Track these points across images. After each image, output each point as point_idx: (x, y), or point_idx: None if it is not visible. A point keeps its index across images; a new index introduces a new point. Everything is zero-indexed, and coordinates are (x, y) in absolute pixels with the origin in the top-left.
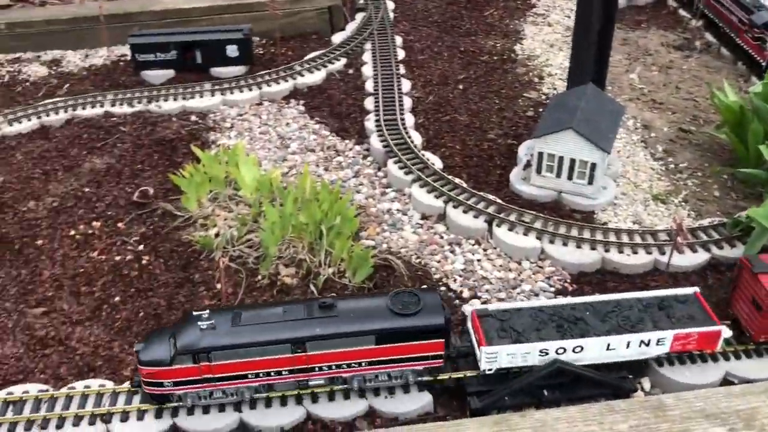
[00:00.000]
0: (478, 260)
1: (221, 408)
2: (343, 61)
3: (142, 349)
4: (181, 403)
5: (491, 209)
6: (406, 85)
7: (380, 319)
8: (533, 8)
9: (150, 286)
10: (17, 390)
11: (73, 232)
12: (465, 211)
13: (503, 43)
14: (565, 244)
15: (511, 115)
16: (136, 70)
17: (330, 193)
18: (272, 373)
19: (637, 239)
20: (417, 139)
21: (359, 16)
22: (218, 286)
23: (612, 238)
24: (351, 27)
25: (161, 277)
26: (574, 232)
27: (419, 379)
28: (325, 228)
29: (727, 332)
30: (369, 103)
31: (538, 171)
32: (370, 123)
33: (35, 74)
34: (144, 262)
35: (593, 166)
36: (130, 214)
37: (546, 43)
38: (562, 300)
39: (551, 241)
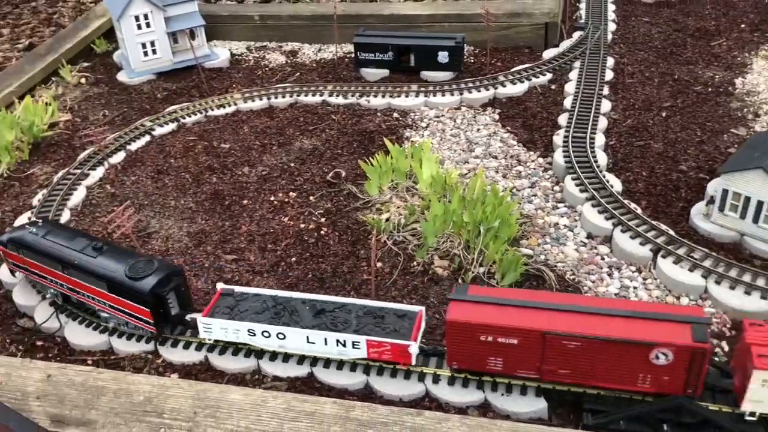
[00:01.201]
0: (635, 287)
1: (352, 368)
2: (548, 76)
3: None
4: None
5: (660, 239)
6: (606, 105)
7: (114, 272)
8: None
9: (322, 253)
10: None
11: (272, 198)
12: (632, 237)
13: (723, 75)
14: (732, 288)
15: (711, 150)
16: (357, 67)
17: (496, 197)
18: (57, 282)
19: None
20: (602, 159)
21: (576, 35)
22: (377, 264)
23: None
24: (565, 44)
25: (333, 248)
26: (747, 278)
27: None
28: (483, 229)
29: (414, 348)
30: (563, 119)
31: (721, 209)
32: (558, 138)
33: (275, 61)
34: (322, 232)
35: None
36: (321, 191)
37: None
38: (297, 294)
39: (717, 282)
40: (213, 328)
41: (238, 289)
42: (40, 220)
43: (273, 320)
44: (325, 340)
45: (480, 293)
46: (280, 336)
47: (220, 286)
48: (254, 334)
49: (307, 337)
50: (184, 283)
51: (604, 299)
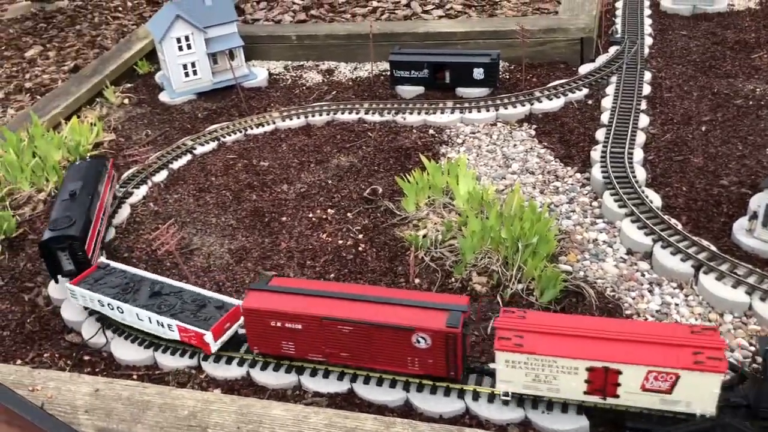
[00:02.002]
0: (676, 304)
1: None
2: (585, 91)
3: None
4: None
5: (702, 255)
6: (644, 120)
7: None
8: None
9: (360, 270)
10: (241, 332)
11: (311, 215)
12: (673, 253)
13: (764, 88)
14: None
15: (753, 164)
16: (392, 84)
17: (534, 212)
18: None
19: None
20: (641, 174)
21: (612, 49)
22: (415, 280)
23: None
24: (601, 59)
25: (371, 264)
26: None
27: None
28: (522, 245)
29: (210, 337)
30: (600, 134)
31: (765, 224)
32: (596, 153)
33: (312, 80)
34: (360, 248)
35: None
36: (358, 207)
37: None
38: (150, 275)
39: (762, 299)
40: (77, 294)
41: (113, 264)
42: None
43: (117, 296)
44: (149, 318)
45: (279, 284)
46: (120, 310)
47: (100, 259)
48: (103, 305)
49: (137, 315)
50: (85, 252)
51: (384, 289)
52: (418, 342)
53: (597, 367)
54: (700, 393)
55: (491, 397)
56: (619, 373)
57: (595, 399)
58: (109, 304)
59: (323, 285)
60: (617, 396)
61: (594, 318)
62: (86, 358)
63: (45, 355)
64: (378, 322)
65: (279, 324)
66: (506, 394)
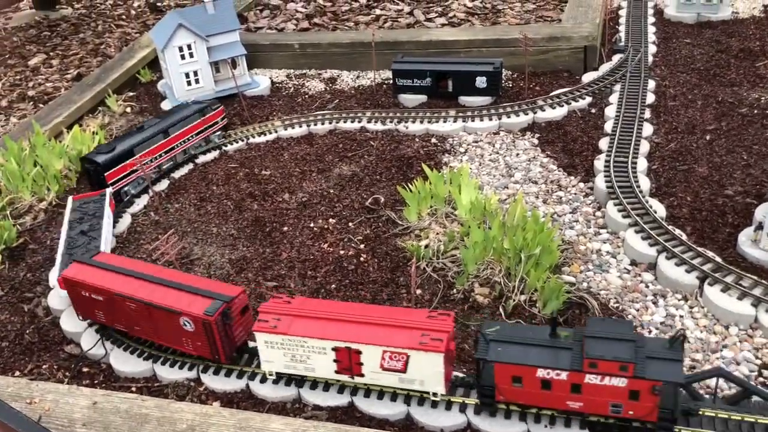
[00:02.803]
0: (681, 316)
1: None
2: (588, 99)
3: None
4: None
5: (707, 266)
6: (647, 129)
7: None
8: None
9: (362, 280)
10: None
11: (312, 225)
12: (678, 264)
13: None
14: None
15: (759, 173)
16: (395, 93)
17: (537, 223)
18: None
19: None
20: (645, 184)
21: (616, 57)
22: (416, 291)
23: None
24: (605, 67)
25: (372, 275)
26: None
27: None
28: (524, 256)
29: None
30: (603, 143)
31: None
32: (599, 162)
33: (314, 89)
34: (362, 259)
35: None
36: (360, 217)
37: None
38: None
39: None
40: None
41: (108, 195)
42: None
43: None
44: None
45: (103, 260)
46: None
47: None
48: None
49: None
50: (105, 179)
51: (180, 274)
52: (185, 325)
53: (341, 348)
54: (428, 371)
55: (493, 411)
56: (360, 353)
57: (345, 377)
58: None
59: (135, 264)
60: (363, 375)
61: (347, 303)
62: (85, 369)
63: (44, 366)
64: (153, 302)
65: (87, 294)
66: (270, 373)
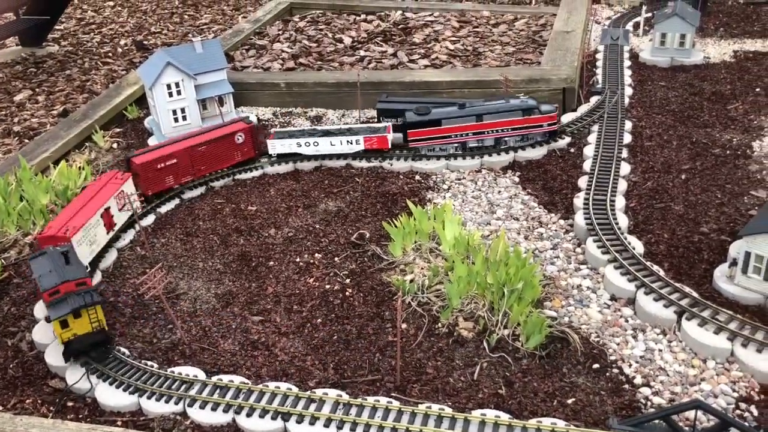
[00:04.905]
0: (660, 350)
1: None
2: (567, 139)
3: None
4: None
5: (684, 302)
6: (625, 168)
7: None
8: None
9: (348, 314)
10: (225, 378)
11: (298, 260)
12: (656, 299)
13: (741, 138)
14: (759, 351)
15: (732, 212)
16: None
17: (519, 258)
18: None
19: None
20: (623, 221)
21: (594, 99)
22: (401, 325)
23: None
24: (583, 109)
25: (358, 309)
26: None
27: None
28: (507, 290)
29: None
30: (582, 182)
31: (744, 271)
32: (578, 200)
33: (300, 126)
34: (347, 293)
35: None
36: (345, 252)
37: None
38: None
39: (744, 345)
40: (276, 145)
41: (285, 130)
42: None
43: (309, 135)
44: (340, 141)
45: (147, 149)
46: (316, 144)
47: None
48: (300, 146)
49: (330, 142)
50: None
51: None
52: (238, 139)
53: None
54: None
55: None
56: None
57: None
58: (306, 143)
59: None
60: None
61: None
62: (70, 404)
63: (27, 401)
64: (217, 137)
65: (162, 165)
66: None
